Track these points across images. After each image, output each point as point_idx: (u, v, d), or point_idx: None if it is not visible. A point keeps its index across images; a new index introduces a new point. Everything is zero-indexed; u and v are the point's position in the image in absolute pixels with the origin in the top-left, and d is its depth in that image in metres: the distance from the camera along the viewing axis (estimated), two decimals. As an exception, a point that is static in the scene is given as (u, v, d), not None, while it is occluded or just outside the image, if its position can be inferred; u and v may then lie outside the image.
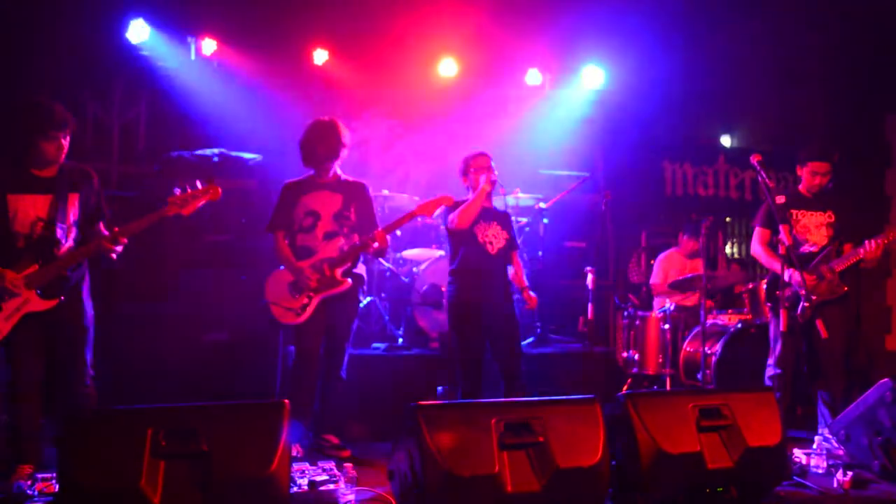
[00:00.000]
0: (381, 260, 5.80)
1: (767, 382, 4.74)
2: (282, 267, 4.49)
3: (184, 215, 3.88)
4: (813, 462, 4.22)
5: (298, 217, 4.48)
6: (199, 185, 3.91)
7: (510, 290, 4.85)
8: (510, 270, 4.86)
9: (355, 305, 4.58)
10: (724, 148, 8.75)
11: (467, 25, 6.90)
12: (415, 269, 5.90)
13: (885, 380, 4.01)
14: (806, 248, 4.79)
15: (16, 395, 3.77)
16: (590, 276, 6.02)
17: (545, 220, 6.35)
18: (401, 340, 5.80)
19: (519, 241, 5.63)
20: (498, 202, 5.24)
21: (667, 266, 6.79)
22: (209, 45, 6.57)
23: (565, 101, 7.68)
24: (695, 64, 7.50)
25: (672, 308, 6.19)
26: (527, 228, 6.33)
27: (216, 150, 6.09)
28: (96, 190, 3.96)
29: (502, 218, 4.88)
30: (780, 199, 4.82)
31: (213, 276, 5.67)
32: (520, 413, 3.22)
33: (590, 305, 6.01)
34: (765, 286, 4.96)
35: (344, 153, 4.53)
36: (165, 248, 5.71)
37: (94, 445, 2.82)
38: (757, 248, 4.97)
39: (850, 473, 3.87)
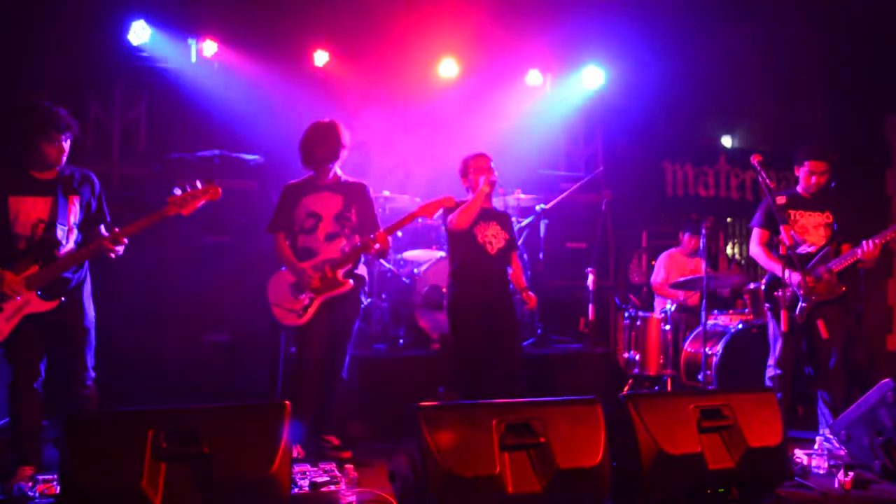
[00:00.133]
0: (381, 261, 5.80)
1: (768, 383, 4.74)
2: (283, 268, 4.49)
3: (184, 215, 3.89)
4: (814, 462, 4.22)
5: (299, 218, 4.48)
6: (198, 185, 3.91)
7: (510, 290, 4.85)
8: (510, 271, 4.86)
9: (357, 306, 4.58)
10: (724, 148, 8.75)
11: (467, 26, 6.89)
12: (415, 270, 5.90)
13: (887, 380, 4.00)
14: (804, 249, 4.78)
15: (17, 396, 3.77)
16: (590, 277, 6.02)
17: (545, 221, 6.35)
18: (402, 341, 5.79)
19: (519, 242, 5.64)
20: (498, 202, 5.24)
21: (668, 265, 6.80)
22: (210, 47, 6.57)
23: (566, 101, 7.67)
24: (695, 64, 7.50)
25: (673, 309, 6.19)
26: (526, 230, 6.32)
27: (217, 151, 6.08)
28: (97, 192, 3.97)
29: (502, 218, 4.88)
30: (781, 200, 4.83)
31: (214, 277, 5.66)
32: (520, 414, 3.22)
33: (590, 306, 6.01)
34: (763, 287, 4.95)
35: (343, 154, 4.53)
36: (166, 248, 5.71)
37: (95, 447, 2.82)
38: (755, 249, 4.97)
39: (851, 474, 3.87)
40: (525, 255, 6.22)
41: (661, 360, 6.16)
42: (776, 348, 4.77)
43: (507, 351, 4.67)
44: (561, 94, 7.66)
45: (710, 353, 5.77)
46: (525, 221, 6.25)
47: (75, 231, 3.87)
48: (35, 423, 3.79)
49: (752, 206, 5.21)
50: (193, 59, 6.60)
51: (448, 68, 7.24)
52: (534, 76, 7.52)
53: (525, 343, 5.70)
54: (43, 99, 3.84)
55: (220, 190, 3.95)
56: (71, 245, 3.84)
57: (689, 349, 6.08)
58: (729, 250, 8.36)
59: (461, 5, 6.72)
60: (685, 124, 8.26)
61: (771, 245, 4.94)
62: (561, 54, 7.48)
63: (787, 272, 4.48)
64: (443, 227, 4.87)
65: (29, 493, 3.51)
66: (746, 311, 6.23)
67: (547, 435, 3.17)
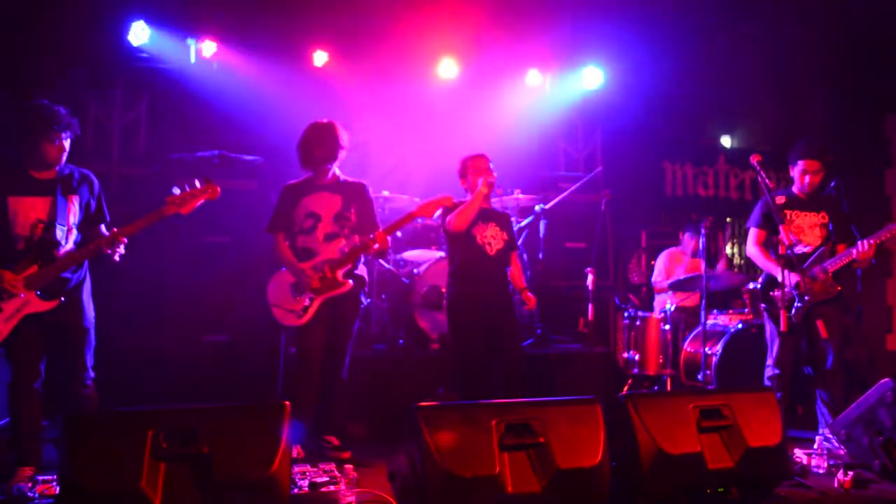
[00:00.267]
0: (381, 261, 5.80)
1: (766, 383, 4.74)
2: (283, 269, 4.49)
3: (183, 214, 3.89)
4: (814, 462, 4.22)
5: (299, 218, 4.48)
6: (197, 184, 3.92)
7: (510, 290, 4.85)
8: (509, 271, 4.86)
9: (357, 307, 4.58)
10: (724, 148, 8.75)
11: (467, 26, 6.90)
12: (415, 271, 5.89)
13: (886, 379, 4.01)
14: (800, 249, 4.78)
15: (16, 396, 3.77)
16: (590, 277, 6.03)
17: (545, 221, 6.34)
18: (401, 342, 5.79)
19: (519, 242, 5.64)
20: (496, 202, 5.24)
21: (669, 265, 6.80)
22: (209, 47, 6.58)
23: (565, 101, 7.68)
24: (695, 64, 7.51)
25: (673, 309, 6.19)
26: (526, 230, 6.32)
27: (216, 152, 6.08)
28: (96, 192, 3.98)
29: (501, 219, 4.87)
30: (780, 200, 4.84)
31: (214, 277, 5.66)
32: (520, 414, 3.22)
33: (590, 306, 6.01)
34: (759, 287, 4.95)
35: (342, 155, 4.53)
36: (166, 248, 5.71)
37: (94, 447, 2.82)
38: (752, 250, 4.97)
39: (850, 473, 3.87)
40: (524, 256, 6.22)
41: (661, 360, 6.16)
42: (773, 348, 4.78)
43: (507, 351, 4.67)
44: (560, 93, 7.66)
45: (709, 352, 5.77)
46: (524, 222, 6.25)
47: (74, 231, 3.87)
48: (35, 423, 3.79)
49: (751, 207, 5.21)
50: (193, 59, 6.61)
51: (447, 68, 7.25)
52: (533, 76, 7.53)
53: (524, 343, 5.70)
54: (43, 99, 3.84)
55: (218, 189, 3.95)
56: (70, 245, 3.84)
57: (688, 349, 6.08)
58: (728, 250, 8.36)
59: (461, 6, 6.72)
60: (685, 124, 8.26)
61: (768, 245, 4.94)
62: (560, 54, 7.49)
63: (785, 272, 4.49)
64: (442, 228, 4.87)
65: (28, 493, 3.51)
66: (746, 310, 6.24)
67: (546, 435, 3.17)
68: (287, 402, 3.11)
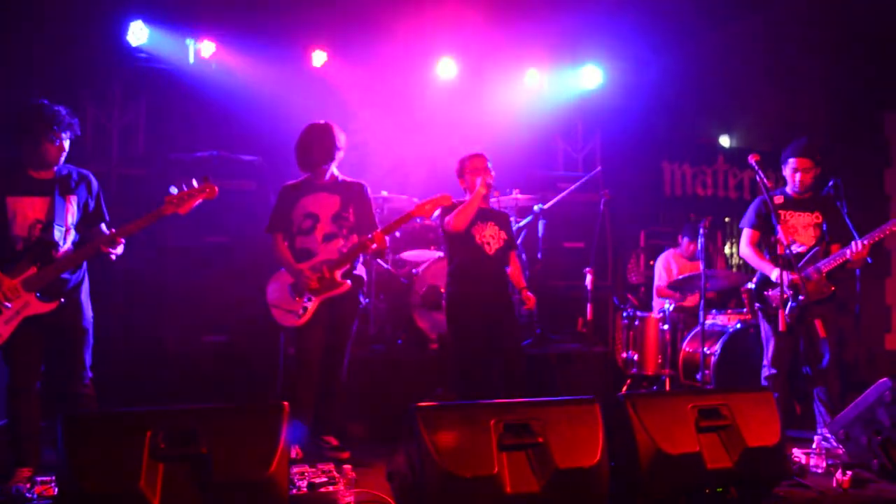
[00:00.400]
0: (379, 261, 5.80)
1: (764, 383, 4.75)
2: (282, 269, 4.49)
3: (181, 214, 3.88)
4: (812, 462, 4.22)
5: (297, 219, 4.48)
6: (195, 183, 3.91)
7: (509, 290, 4.85)
8: (508, 270, 4.86)
9: (355, 307, 4.58)
10: (722, 148, 8.75)
11: (465, 26, 6.90)
12: (414, 271, 5.90)
13: (885, 379, 4.01)
14: (794, 249, 4.77)
15: (15, 397, 3.77)
16: (589, 277, 6.03)
17: (543, 221, 6.34)
18: (400, 342, 5.79)
19: (518, 242, 5.64)
20: (495, 202, 5.23)
21: (669, 268, 6.80)
22: (208, 47, 6.58)
23: (564, 101, 7.68)
24: (694, 63, 7.51)
25: (671, 308, 6.19)
26: (525, 230, 6.32)
27: (215, 152, 6.08)
28: (94, 192, 3.97)
29: (500, 218, 4.87)
30: (779, 200, 4.84)
31: (214, 277, 5.66)
32: (519, 414, 3.22)
33: (589, 306, 6.01)
34: (753, 287, 4.95)
35: (339, 156, 4.53)
36: (165, 248, 5.71)
37: (93, 447, 2.81)
38: (746, 250, 4.97)
39: (849, 473, 3.87)
40: (523, 255, 6.22)
41: (660, 360, 6.16)
42: (769, 348, 4.78)
43: (507, 351, 4.67)
44: (559, 93, 7.66)
45: (708, 352, 5.77)
46: (523, 221, 6.25)
47: (73, 231, 3.86)
48: (33, 424, 3.79)
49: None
50: (192, 59, 6.61)
51: (446, 68, 7.25)
52: (532, 76, 7.53)
53: (523, 343, 5.70)
54: (43, 99, 3.84)
55: (216, 188, 3.94)
56: (68, 245, 3.83)
57: (687, 349, 6.08)
58: (727, 250, 8.36)
59: (460, 5, 6.72)
60: (683, 124, 8.27)
61: (761, 245, 4.95)
62: (559, 54, 7.49)
63: (781, 272, 4.48)
64: (440, 228, 4.87)
65: (27, 494, 3.51)
66: (744, 310, 6.24)
67: (545, 435, 3.17)
68: (286, 403, 3.11)
